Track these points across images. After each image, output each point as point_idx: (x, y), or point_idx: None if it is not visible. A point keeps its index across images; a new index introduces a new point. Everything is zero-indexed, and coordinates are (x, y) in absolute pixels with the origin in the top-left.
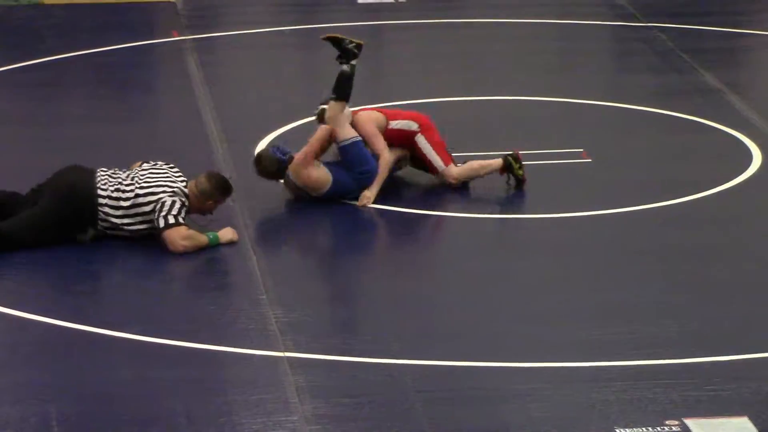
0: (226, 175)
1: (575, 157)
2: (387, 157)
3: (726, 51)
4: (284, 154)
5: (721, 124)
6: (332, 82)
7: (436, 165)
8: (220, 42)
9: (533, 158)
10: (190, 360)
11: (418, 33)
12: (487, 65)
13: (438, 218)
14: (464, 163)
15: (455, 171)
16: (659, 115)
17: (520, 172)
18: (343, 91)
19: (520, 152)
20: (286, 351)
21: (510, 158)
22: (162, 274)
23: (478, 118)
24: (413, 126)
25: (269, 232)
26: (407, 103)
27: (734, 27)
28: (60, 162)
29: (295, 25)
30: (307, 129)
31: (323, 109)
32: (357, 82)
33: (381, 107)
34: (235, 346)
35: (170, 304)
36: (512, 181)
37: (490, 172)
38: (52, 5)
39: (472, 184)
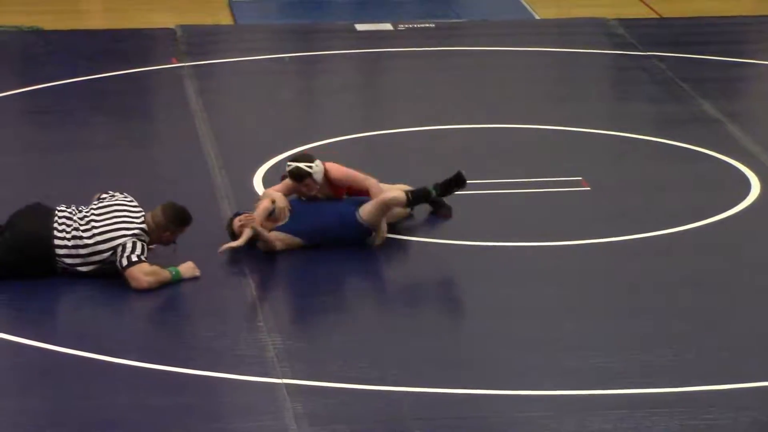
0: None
1: (574, 185)
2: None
3: (725, 80)
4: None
5: (719, 153)
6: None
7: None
8: (218, 69)
9: (532, 186)
10: (188, 387)
11: (417, 61)
12: (485, 93)
13: (436, 246)
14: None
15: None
16: (658, 143)
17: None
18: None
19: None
20: (284, 378)
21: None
22: (160, 301)
23: (476, 145)
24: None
25: (267, 260)
26: (404, 131)
27: (733, 57)
28: (58, 187)
29: (294, 53)
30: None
31: (297, 167)
32: (354, 109)
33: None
34: (233, 373)
35: (168, 331)
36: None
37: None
38: (53, 32)
39: (471, 215)
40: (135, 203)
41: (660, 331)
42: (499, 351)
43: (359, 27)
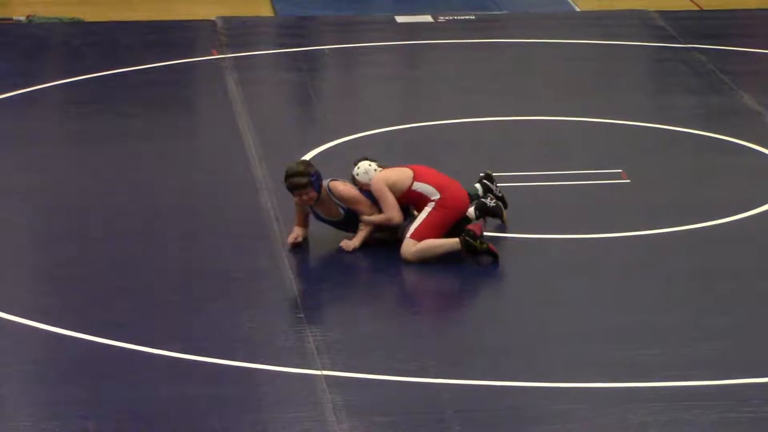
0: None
1: (615, 177)
2: (393, 218)
3: (766, 73)
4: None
5: (760, 145)
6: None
7: (408, 232)
8: (259, 60)
9: (572, 179)
10: (228, 378)
11: (457, 53)
12: (526, 85)
13: None
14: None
15: (411, 250)
16: (698, 136)
17: (483, 245)
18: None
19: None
20: (323, 369)
21: (467, 238)
22: (200, 292)
23: (516, 138)
24: (434, 195)
25: (307, 251)
26: (445, 123)
27: None
28: (100, 178)
29: (334, 44)
30: (345, 148)
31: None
32: (394, 101)
33: (421, 166)
34: (272, 364)
35: (208, 322)
36: (484, 259)
37: (448, 251)
38: (93, 23)
39: (511, 205)
40: None
41: (700, 324)
42: (538, 343)
43: (399, 19)
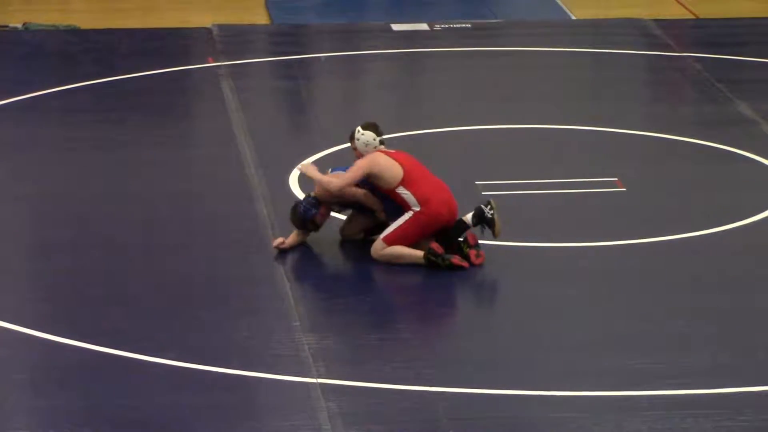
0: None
1: (609, 186)
2: (331, 183)
3: (761, 81)
4: (311, 209)
5: (755, 154)
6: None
7: (382, 233)
8: (255, 68)
9: (567, 187)
10: (223, 386)
11: (453, 61)
12: (521, 93)
13: None
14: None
15: (380, 252)
16: (693, 144)
17: (446, 262)
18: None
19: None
20: (319, 377)
21: (430, 256)
22: (196, 299)
23: (511, 146)
24: (415, 207)
25: (303, 259)
26: (441, 131)
27: None
28: (96, 186)
29: (330, 52)
30: (340, 156)
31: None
32: (390, 109)
33: (414, 164)
34: (268, 372)
35: (204, 330)
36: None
37: (412, 263)
38: (90, 30)
39: (506, 212)
40: None
41: (696, 333)
42: (534, 351)
43: (395, 27)
